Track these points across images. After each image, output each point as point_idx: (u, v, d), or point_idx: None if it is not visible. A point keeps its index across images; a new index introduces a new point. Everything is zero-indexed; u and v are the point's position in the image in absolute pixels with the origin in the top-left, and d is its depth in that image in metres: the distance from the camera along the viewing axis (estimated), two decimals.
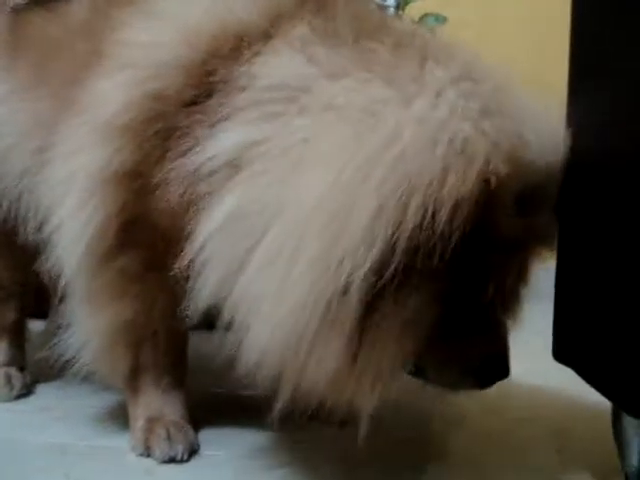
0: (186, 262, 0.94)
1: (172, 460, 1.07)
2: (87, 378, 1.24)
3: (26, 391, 1.34)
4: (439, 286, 0.86)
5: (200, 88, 0.97)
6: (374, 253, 0.81)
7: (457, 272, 0.86)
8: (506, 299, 0.97)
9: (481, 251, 0.87)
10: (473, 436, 1.22)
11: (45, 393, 1.36)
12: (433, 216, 0.81)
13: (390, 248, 0.81)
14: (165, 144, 0.97)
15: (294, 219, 0.86)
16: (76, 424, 1.21)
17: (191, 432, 1.12)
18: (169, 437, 1.09)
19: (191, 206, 0.97)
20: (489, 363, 0.95)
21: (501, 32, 2.10)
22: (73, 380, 1.30)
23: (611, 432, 1.01)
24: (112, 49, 1.03)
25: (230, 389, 1.32)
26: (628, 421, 0.96)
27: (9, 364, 1.36)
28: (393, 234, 0.81)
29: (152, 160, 0.98)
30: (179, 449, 1.08)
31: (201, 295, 0.94)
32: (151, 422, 1.12)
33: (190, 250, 0.94)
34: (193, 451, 1.10)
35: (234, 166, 0.92)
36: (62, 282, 1.08)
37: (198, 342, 1.18)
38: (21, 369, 1.37)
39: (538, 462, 1.11)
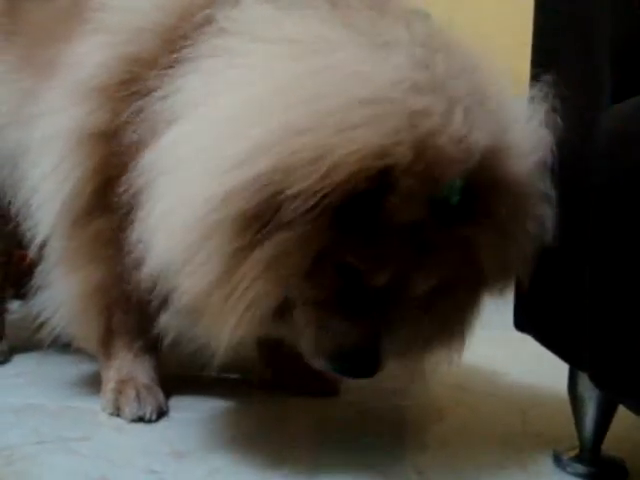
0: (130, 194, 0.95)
1: (141, 419, 1.10)
2: (64, 348, 1.28)
3: (3, 359, 1.36)
4: (310, 239, 0.84)
5: (173, 51, 0.98)
6: (248, 174, 0.81)
7: (336, 236, 0.84)
8: (409, 303, 0.92)
9: (372, 229, 0.85)
10: (443, 410, 1.24)
11: (22, 361, 1.38)
12: (315, 165, 0.80)
13: (266, 177, 0.81)
14: (138, 105, 0.99)
15: (205, 127, 0.87)
16: (49, 388, 1.23)
17: (160, 394, 1.15)
18: (138, 397, 1.11)
19: None
20: (347, 351, 0.90)
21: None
22: (51, 351, 1.33)
23: (568, 407, 1.03)
24: (88, 14, 1.06)
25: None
26: (583, 386, 0.99)
27: None
28: (273, 164, 0.81)
29: (126, 121, 1.00)
30: (148, 409, 1.10)
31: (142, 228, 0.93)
32: (121, 384, 1.14)
33: (133, 181, 0.94)
34: (162, 412, 1.12)
35: (184, 102, 0.92)
36: (37, 244, 1.10)
37: None
38: None
39: (505, 432, 1.13)
